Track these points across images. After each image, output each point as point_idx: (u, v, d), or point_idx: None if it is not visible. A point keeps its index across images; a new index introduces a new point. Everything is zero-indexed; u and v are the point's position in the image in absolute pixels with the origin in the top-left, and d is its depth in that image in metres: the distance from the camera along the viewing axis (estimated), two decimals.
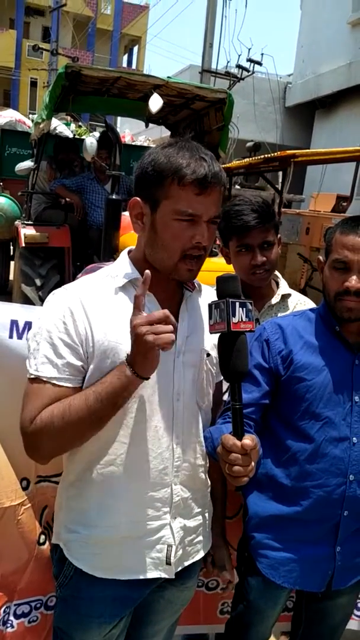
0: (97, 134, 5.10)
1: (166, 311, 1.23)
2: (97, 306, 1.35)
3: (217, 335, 1.29)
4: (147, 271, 1.26)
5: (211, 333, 1.30)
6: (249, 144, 10.55)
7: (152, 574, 1.44)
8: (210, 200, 1.33)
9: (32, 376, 1.34)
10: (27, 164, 6.44)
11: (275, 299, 2.08)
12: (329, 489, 1.59)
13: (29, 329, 1.63)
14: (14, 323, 1.64)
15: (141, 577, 1.43)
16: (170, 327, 1.22)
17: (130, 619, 1.53)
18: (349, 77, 13.01)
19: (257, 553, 1.69)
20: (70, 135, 8.67)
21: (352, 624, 1.95)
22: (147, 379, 1.27)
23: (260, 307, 2.07)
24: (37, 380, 1.33)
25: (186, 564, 1.53)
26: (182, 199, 1.31)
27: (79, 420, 1.28)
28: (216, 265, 2.10)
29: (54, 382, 1.32)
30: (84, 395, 1.29)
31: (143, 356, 1.23)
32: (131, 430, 1.38)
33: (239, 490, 1.76)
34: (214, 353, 1.47)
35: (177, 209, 1.31)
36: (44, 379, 1.32)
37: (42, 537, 1.73)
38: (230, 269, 2.05)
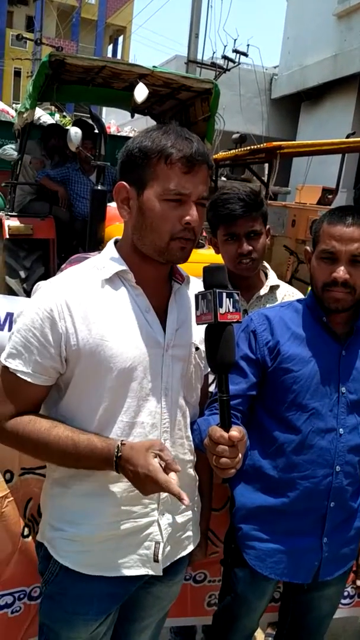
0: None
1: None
2: (82, 302, 1.32)
3: (205, 326, 1.27)
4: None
5: (198, 324, 1.28)
6: (234, 136, 10.51)
7: (139, 571, 1.42)
8: (198, 179, 1.31)
9: (2, 364, 1.35)
10: (12, 150, 6.34)
11: (263, 290, 2.07)
12: (315, 480, 1.59)
13: (10, 319, 1.62)
14: None
15: (128, 574, 1.41)
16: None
17: (117, 616, 1.52)
18: (335, 69, 13.00)
19: (244, 545, 1.69)
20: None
21: (338, 612, 1.96)
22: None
23: (249, 298, 2.06)
24: (6, 369, 1.34)
25: (174, 559, 1.51)
26: (170, 178, 1.28)
27: (49, 459, 1.40)
28: (204, 257, 2.08)
29: (19, 375, 1.32)
30: (63, 448, 1.31)
31: (135, 485, 1.29)
32: (117, 426, 1.36)
33: (225, 483, 1.77)
34: (203, 346, 1.45)
35: (165, 188, 1.29)
36: (11, 370, 1.32)
37: (26, 529, 1.73)
38: (218, 259, 2.04)
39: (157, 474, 1.21)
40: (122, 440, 1.30)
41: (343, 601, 2.08)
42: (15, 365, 1.32)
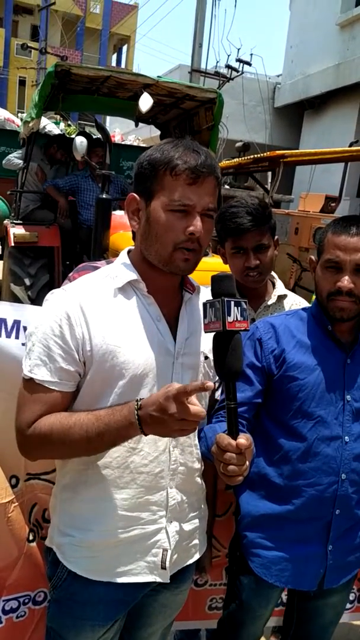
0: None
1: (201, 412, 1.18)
2: (96, 309, 1.34)
3: (213, 335, 1.28)
4: None
5: (206, 332, 1.29)
6: (238, 144, 10.54)
7: (146, 578, 1.43)
8: (203, 191, 1.32)
9: (27, 377, 1.33)
10: (16, 159, 6.39)
11: (271, 300, 2.08)
12: (321, 488, 1.59)
13: (18, 327, 1.63)
14: (2, 321, 1.64)
15: (135, 580, 1.42)
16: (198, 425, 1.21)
17: (123, 622, 1.52)
18: (338, 78, 13.06)
19: (249, 552, 1.69)
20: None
21: (343, 617, 1.97)
22: (147, 434, 1.25)
23: (256, 307, 2.08)
24: (31, 381, 1.33)
25: (181, 567, 1.52)
26: (175, 189, 1.30)
27: (75, 446, 1.30)
28: (212, 265, 2.10)
29: (46, 385, 1.32)
30: (85, 425, 1.27)
31: (159, 432, 1.23)
32: None
33: (229, 489, 1.78)
34: (212, 356, 1.47)
35: (170, 199, 1.31)
36: (37, 381, 1.32)
37: (31, 534, 1.74)
38: (226, 268, 2.05)
39: (173, 386, 1.17)
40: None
41: (348, 605, 2.09)
42: (41, 375, 1.31)
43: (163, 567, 1.43)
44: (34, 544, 1.73)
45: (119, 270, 1.41)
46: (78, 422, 1.28)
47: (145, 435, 1.24)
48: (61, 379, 1.32)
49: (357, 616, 2.19)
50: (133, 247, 1.47)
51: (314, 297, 1.72)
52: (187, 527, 1.50)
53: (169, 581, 1.46)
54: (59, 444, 1.30)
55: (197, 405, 1.17)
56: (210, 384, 1.14)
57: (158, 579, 1.44)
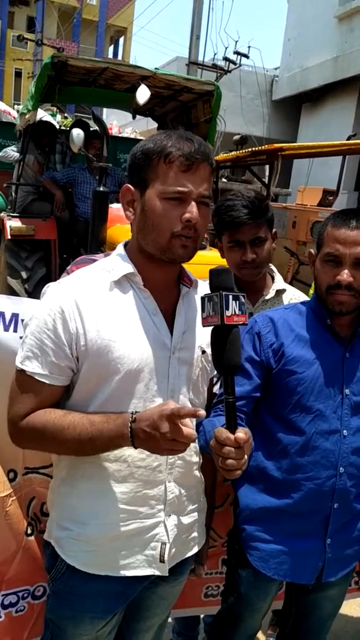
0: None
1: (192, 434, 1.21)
2: (91, 303, 1.33)
3: (211, 329, 1.28)
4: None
5: (204, 326, 1.29)
6: (235, 137, 10.52)
7: (145, 572, 1.43)
8: (198, 177, 1.31)
9: (18, 368, 1.34)
10: (13, 152, 6.35)
11: (269, 294, 2.07)
12: (319, 482, 1.60)
13: (16, 320, 1.62)
14: (0, 315, 1.63)
15: (134, 574, 1.42)
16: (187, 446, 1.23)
17: (122, 615, 1.53)
18: (336, 71, 13.02)
19: (247, 545, 1.69)
20: (57, 126, 8.59)
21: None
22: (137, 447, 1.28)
23: (255, 301, 2.06)
24: (22, 372, 1.33)
25: (179, 560, 1.52)
26: (169, 176, 1.30)
27: (66, 446, 1.33)
28: (209, 259, 2.09)
29: (37, 377, 1.32)
30: (79, 429, 1.29)
31: (150, 448, 1.25)
32: None
33: (227, 481, 1.78)
34: (209, 350, 1.46)
35: (164, 187, 1.30)
36: (28, 373, 1.32)
37: (29, 528, 1.73)
38: (224, 262, 2.04)
39: (168, 405, 1.19)
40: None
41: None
42: (32, 368, 1.32)
43: (162, 561, 1.43)
44: (32, 538, 1.73)
45: (115, 263, 1.40)
46: (72, 425, 1.30)
47: (135, 448, 1.27)
48: (52, 373, 1.33)
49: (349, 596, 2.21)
50: (130, 240, 1.46)
51: (311, 290, 1.72)
52: (186, 520, 1.50)
53: (167, 574, 1.46)
54: (51, 441, 1.33)
55: (189, 428, 1.20)
56: (202, 412, 1.19)
57: (157, 573, 1.44)
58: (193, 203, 1.31)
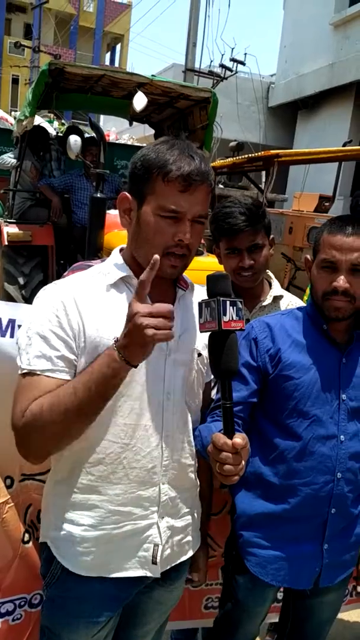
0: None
1: (170, 307, 1.19)
2: (89, 302, 1.34)
3: (208, 334, 1.28)
4: (156, 255, 1.20)
5: (201, 332, 1.29)
6: (232, 144, 10.56)
7: (137, 572, 1.43)
8: (195, 199, 1.32)
9: (25, 371, 1.31)
10: (10, 158, 6.36)
11: (267, 301, 2.08)
12: (316, 487, 1.60)
13: (13, 326, 1.62)
14: None
15: (126, 575, 1.42)
16: (171, 324, 1.18)
17: (118, 620, 1.52)
18: (331, 78, 13.08)
19: (245, 551, 1.69)
20: (53, 133, 8.61)
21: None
22: (136, 366, 1.22)
23: (252, 307, 2.07)
24: (30, 374, 1.31)
25: (174, 564, 1.52)
26: (166, 195, 1.31)
27: (67, 412, 1.23)
28: (207, 265, 2.09)
29: (48, 374, 1.30)
30: (72, 387, 1.24)
31: (138, 346, 1.18)
32: (120, 428, 1.38)
33: (224, 488, 1.78)
34: (205, 353, 1.47)
35: (161, 204, 1.31)
36: (38, 372, 1.30)
37: (27, 535, 1.73)
38: (221, 268, 2.05)
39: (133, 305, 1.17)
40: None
41: None
42: (42, 366, 1.30)
43: (154, 562, 1.44)
44: (29, 545, 1.72)
45: (111, 267, 1.42)
46: (63, 387, 1.26)
47: (129, 363, 1.20)
48: (62, 367, 1.31)
49: (349, 607, 2.21)
50: (125, 246, 1.47)
51: (305, 296, 1.72)
52: (179, 523, 1.51)
53: (159, 576, 1.46)
54: (50, 418, 1.24)
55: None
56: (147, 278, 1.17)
57: (148, 574, 1.45)
58: (187, 223, 1.33)
